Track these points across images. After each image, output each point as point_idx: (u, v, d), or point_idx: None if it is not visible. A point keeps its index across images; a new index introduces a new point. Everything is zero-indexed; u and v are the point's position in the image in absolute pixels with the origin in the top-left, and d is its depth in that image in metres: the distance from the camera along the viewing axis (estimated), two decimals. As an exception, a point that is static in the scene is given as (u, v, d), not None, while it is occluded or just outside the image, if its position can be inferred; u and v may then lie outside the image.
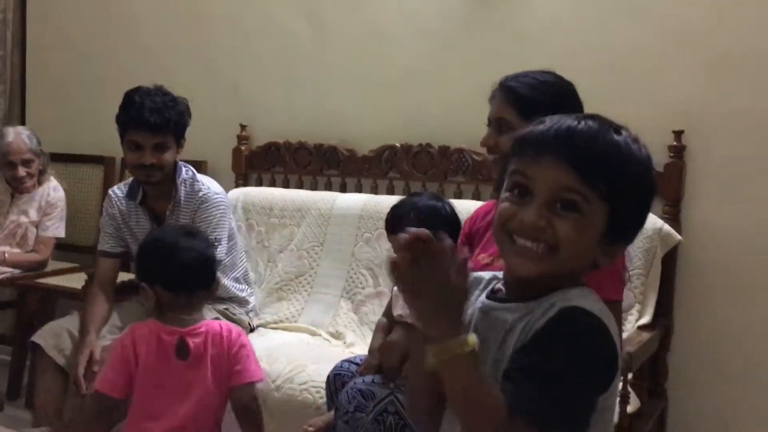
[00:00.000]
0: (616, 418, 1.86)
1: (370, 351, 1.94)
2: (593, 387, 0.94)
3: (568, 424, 0.92)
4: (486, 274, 1.13)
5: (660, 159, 2.41)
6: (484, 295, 1.08)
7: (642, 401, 2.15)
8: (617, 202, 0.97)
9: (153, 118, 2.29)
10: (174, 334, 1.65)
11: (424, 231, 0.93)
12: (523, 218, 0.98)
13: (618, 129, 1.00)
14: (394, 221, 1.91)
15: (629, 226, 1.02)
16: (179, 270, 1.65)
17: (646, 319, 2.25)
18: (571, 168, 0.96)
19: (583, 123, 0.98)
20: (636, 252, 2.25)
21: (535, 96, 1.61)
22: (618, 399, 1.74)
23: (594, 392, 0.94)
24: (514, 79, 1.66)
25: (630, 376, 1.95)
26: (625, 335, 2.15)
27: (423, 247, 0.92)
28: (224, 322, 1.77)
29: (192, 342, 1.65)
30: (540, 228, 0.97)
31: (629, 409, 1.96)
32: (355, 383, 1.81)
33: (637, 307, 2.26)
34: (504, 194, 1.03)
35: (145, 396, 1.62)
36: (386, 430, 1.68)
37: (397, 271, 0.94)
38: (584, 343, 0.92)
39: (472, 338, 0.93)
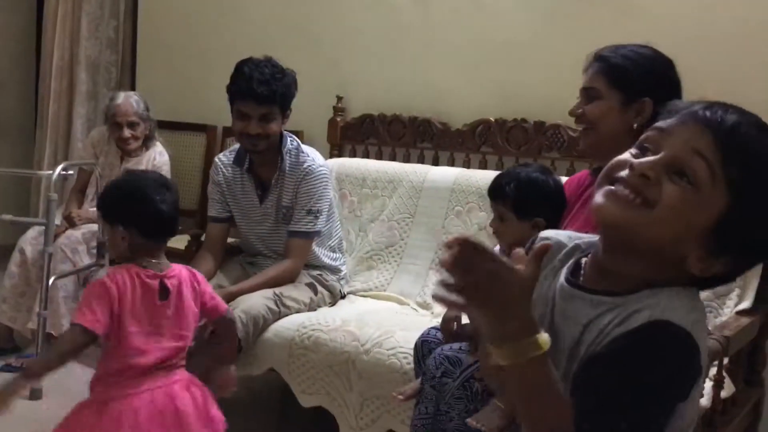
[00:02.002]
0: (708, 401, 1.82)
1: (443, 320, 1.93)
2: (667, 411, 0.84)
3: None
4: (566, 238, 1.03)
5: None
6: (565, 272, 0.98)
7: (737, 388, 2.08)
8: (741, 199, 0.86)
9: (260, 90, 2.37)
10: (154, 278, 1.79)
11: (462, 236, 0.83)
12: (634, 164, 0.89)
13: None
14: (495, 189, 1.91)
15: (741, 242, 0.87)
16: (161, 219, 1.79)
17: (746, 305, 2.16)
18: (712, 135, 0.87)
19: (737, 115, 0.89)
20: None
21: (626, 65, 1.59)
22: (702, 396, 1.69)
23: (667, 415, 0.85)
24: (610, 49, 1.65)
25: (726, 360, 1.90)
26: (722, 319, 2.08)
27: (469, 251, 0.81)
28: (183, 266, 1.89)
29: (170, 284, 1.81)
30: (646, 179, 0.88)
31: (723, 394, 1.91)
32: (442, 350, 1.84)
33: (737, 291, 2.18)
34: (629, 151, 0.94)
35: (130, 335, 1.74)
36: (472, 396, 1.70)
37: (453, 276, 0.83)
38: (667, 368, 0.82)
39: (544, 338, 0.84)
